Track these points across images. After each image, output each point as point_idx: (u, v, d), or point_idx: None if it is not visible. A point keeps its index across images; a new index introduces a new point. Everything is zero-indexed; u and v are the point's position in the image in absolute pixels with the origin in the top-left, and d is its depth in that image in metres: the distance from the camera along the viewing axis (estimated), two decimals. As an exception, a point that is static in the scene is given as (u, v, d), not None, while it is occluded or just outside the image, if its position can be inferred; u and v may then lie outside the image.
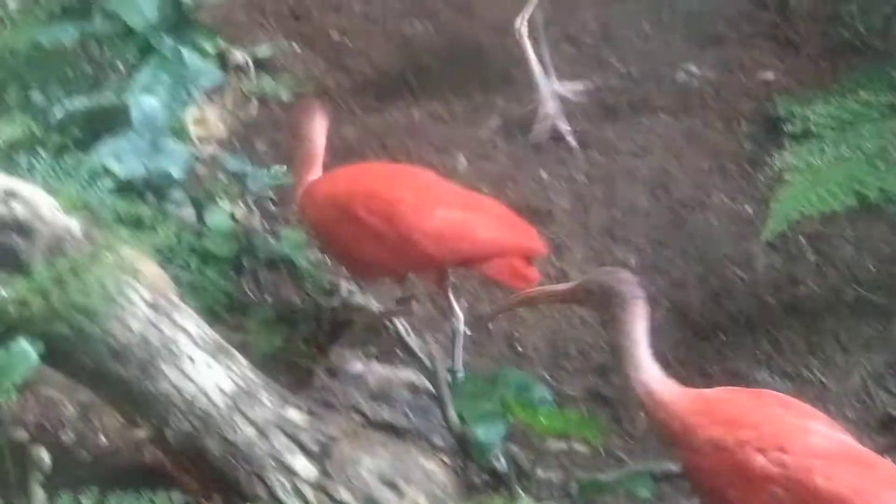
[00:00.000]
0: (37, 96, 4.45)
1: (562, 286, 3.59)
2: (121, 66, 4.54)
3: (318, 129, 3.99)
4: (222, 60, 4.87)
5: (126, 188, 4.19)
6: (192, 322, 3.56)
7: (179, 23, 4.45)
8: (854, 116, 4.21)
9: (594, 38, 5.19)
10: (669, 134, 4.80)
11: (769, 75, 5.01)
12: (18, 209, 3.47)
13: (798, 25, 5.17)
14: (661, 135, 4.80)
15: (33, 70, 4.59)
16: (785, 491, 3.21)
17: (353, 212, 3.74)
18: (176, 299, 3.58)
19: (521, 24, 4.68)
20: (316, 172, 3.95)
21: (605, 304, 3.34)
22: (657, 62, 5.07)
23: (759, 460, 3.22)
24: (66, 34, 4.49)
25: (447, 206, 3.77)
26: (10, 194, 3.50)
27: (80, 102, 4.37)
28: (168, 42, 4.39)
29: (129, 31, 4.44)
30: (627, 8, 5.28)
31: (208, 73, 4.48)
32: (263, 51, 5.01)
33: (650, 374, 3.29)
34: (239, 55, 4.94)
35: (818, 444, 3.25)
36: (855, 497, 3.18)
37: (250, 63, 4.93)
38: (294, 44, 5.09)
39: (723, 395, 3.41)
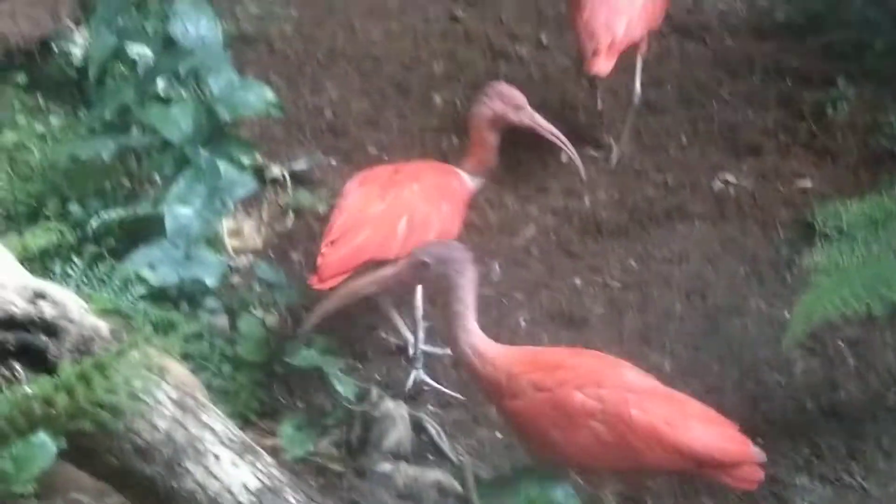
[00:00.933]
0: (74, 207, 4.53)
1: (391, 268, 3.68)
2: (157, 178, 4.62)
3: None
4: (259, 174, 4.92)
5: (160, 296, 4.24)
6: (218, 421, 3.55)
7: (215, 136, 4.54)
8: (887, 216, 4.16)
9: (630, 147, 5.20)
10: (706, 241, 4.79)
11: (807, 183, 5.01)
12: (47, 309, 3.49)
13: (836, 134, 5.18)
14: (698, 241, 4.79)
15: (72, 182, 4.69)
16: (603, 425, 3.46)
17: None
18: (202, 398, 3.57)
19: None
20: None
21: (441, 273, 3.52)
22: (694, 171, 5.08)
23: (578, 396, 3.47)
24: (105, 148, 4.59)
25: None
26: (39, 295, 3.54)
27: (115, 213, 4.45)
28: (204, 154, 4.47)
29: (165, 144, 4.54)
30: (664, 119, 5.31)
31: (244, 184, 4.55)
32: (300, 164, 5.06)
33: (478, 334, 3.55)
34: (276, 169, 4.99)
35: (632, 380, 3.56)
36: (666, 427, 3.46)
37: (287, 176, 4.97)
38: (331, 158, 5.13)
39: (543, 349, 3.84)
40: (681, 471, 3.64)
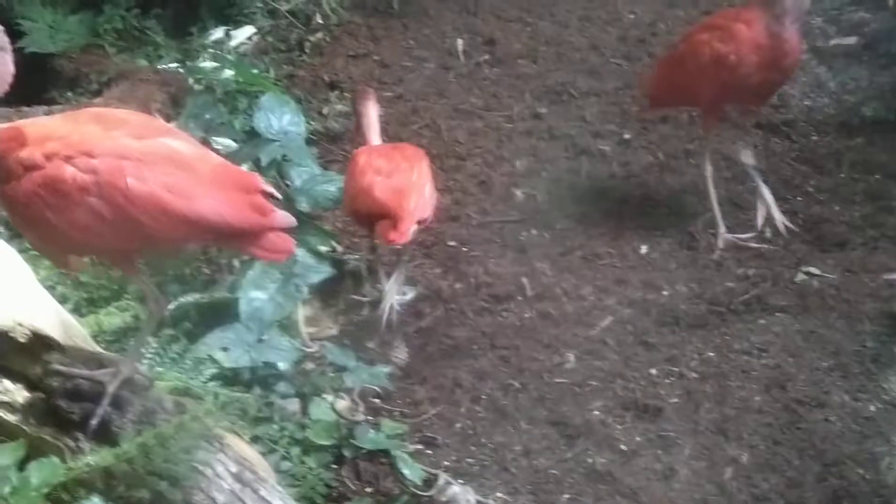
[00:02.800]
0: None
1: None
2: (236, 264, 4.67)
3: (372, 109, 4.91)
4: (338, 263, 4.96)
5: (232, 378, 4.27)
6: (277, 496, 3.54)
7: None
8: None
9: (709, 240, 5.17)
10: (787, 333, 4.70)
11: (894, 276, 4.91)
12: (112, 381, 3.55)
13: (926, 229, 5.11)
14: (779, 334, 4.69)
15: (153, 268, 4.74)
16: (99, 199, 3.19)
17: None
18: (262, 473, 3.57)
19: None
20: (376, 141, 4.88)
21: None
22: (777, 264, 5.01)
23: (69, 169, 3.18)
24: (186, 236, 4.65)
25: None
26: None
27: (192, 297, 4.50)
28: (281, 241, 4.50)
29: (245, 232, 4.59)
30: (748, 213, 5.27)
31: (320, 272, 4.59)
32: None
33: None
34: (354, 260, 5.02)
35: (129, 147, 3.20)
36: (170, 195, 3.19)
37: (364, 268, 5.00)
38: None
39: (37, 119, 3.49)
40: (200, 242, 3.50)
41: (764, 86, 5.07)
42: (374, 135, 4.93)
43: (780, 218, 5.11)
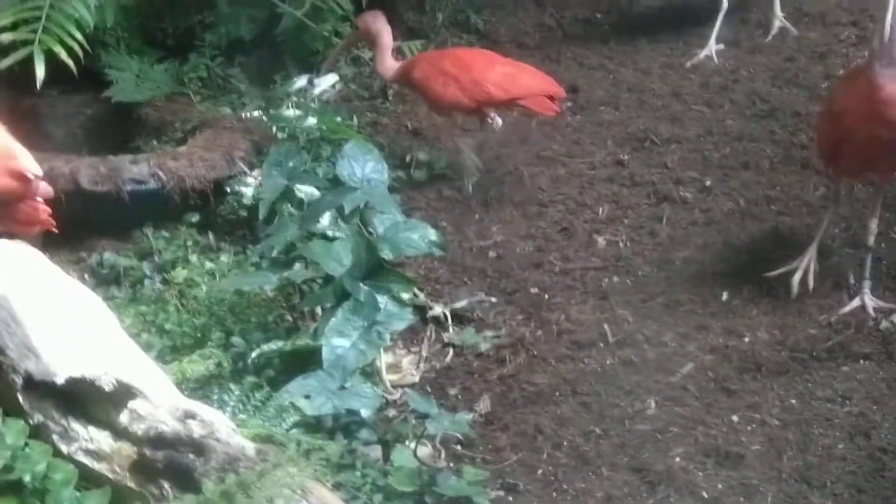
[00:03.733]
0: (237, 339, 4.64)
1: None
2: (318, 312, 4.71)
3: (384, 27, 5.91)
4: (421, 311, 4.99)
5: (315, 426, 4.29)
6: (359, 542, 3.58)
7: (376, 271, 4.60)
8: None
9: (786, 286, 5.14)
10: (871, 381, 4.65)
11: (980, 325, 4.86)
12: (195, 428, 3.58)
13: None
14: (862, 381, 4.65)
15: (236, 316, 4.82)
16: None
17: (444, 67, 5.76)
18: (344, 520, 3.60)
19: None
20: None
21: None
22: (860, 311, 4.95)
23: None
24: (268, 282, 4.72)
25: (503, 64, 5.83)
26: (189, 415, 3.63)
27: (275, 345, 4.54)
28: (363, 289, 4.54)
29: (327, 279, 4.63)
30: (831, 260, 5.24)
31: (402, 319, 4.60)
32: (462, 303, 5.10)
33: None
34: (438, 307, 5.05)
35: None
36: None
37: (448, 315, 5.02)
38: (493, 298, 5.17)
39: None
40: None
41: (876, 145, 4.81)
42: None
43: (870, 304, 5.01)
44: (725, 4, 6.81)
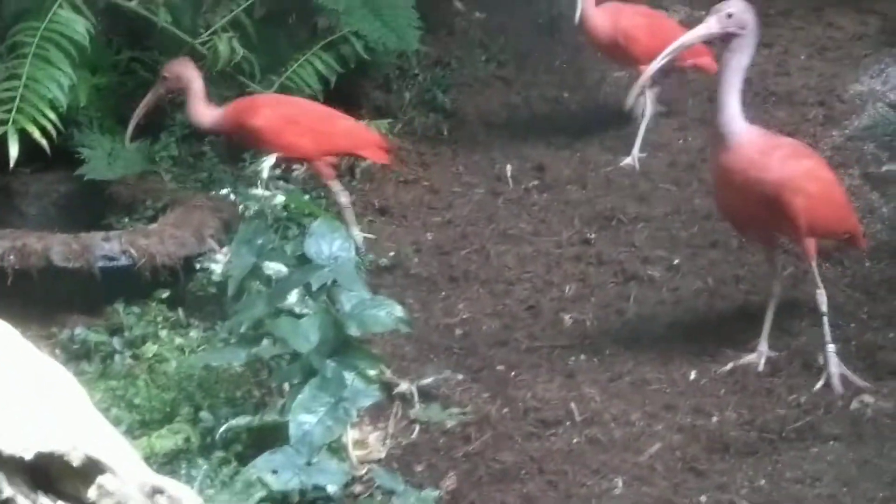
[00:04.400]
0: (205, 414, 4.64)
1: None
2: (286, 388, 4.71)
3: (194, 74, 5.96)
4: (387, 387, 4.99)
5: (281, 501, 4.29)
6: None
7: (343, 348, 4.61)
8: None
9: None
10: (840, 462, 4.62)
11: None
12: (163, 504, 3.58)
13: None
14: (832, 463, 4.62)
15: (205, 391, 4.82)
16: None
17: (292, 116, 5.94)
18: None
19: None
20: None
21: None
22: (829, 392, 4.96)
23: None
24: (237, 358, 4.72)
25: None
26: (157, 490, 3.63)
27: (243, 420, 4.54)
28: (331, 365, 4.54)
29: (294, 355, 4.63)
30: (799, 340, 5.27)
31: (369, 396, 4.59)
32: (429, 380, 5.10)
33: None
34: (404, 384, 5.05)
35: None
36: None
37: (415, 391, 5.02)
38: (459, 375, 5.18)
39: None
40: None
41: (741, 209, 4.99)
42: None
43: (836, 373, 5.04)
44: (649, 110, 6.87)
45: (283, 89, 6.64)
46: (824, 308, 5.06)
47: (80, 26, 6.08)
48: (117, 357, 5.19)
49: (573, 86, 7.59)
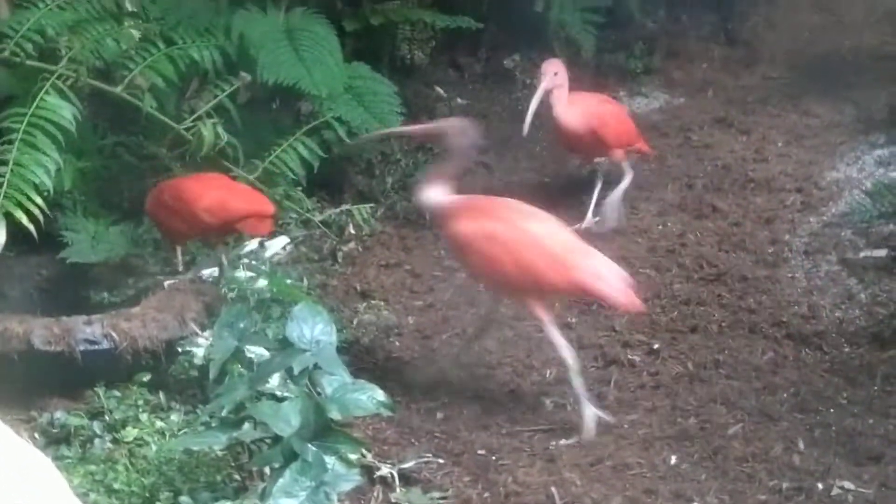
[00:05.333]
0: (185, 499, 4.64)
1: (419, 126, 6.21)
2: (266, 472, 4.70)
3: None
4: (368, 471, 4.98)
5: None
6: None
7: (324, 432, 4.61)
8: None
9: (741, 451, 5.17)
10: (822, 546, 4.68)
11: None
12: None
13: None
14: (813, 547, 4.67)
15: (185, 475, 4.81)
16: None
17: (163, 198, 5.97)
18: None
19: None
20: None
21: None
22: (810, 477, 4.97)
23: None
24: (217, 442, 4.72)
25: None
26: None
27: (224, 504, 4.54)
28: (311, 449, 4.54)
29: (275, 439, 4.64)
30: (780, 426, 5.29)
31: (350, 479, 4.59)
32: (409, 464, 5.10)
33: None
34: (385, 468, 5.04)
35: None
36: None
37: (396, 475, 5.02)
38: (440, 459, 5.18)
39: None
40: None
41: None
42: None
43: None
44: (599, 183, 7.08)
45: (267, 174, 6.68)
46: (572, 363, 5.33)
47: (66, 112, 6.15)
48: (97, 441, 5.16)
49: (553, 172, 7.67)
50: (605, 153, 7.07)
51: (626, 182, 7.03)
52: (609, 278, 5.28)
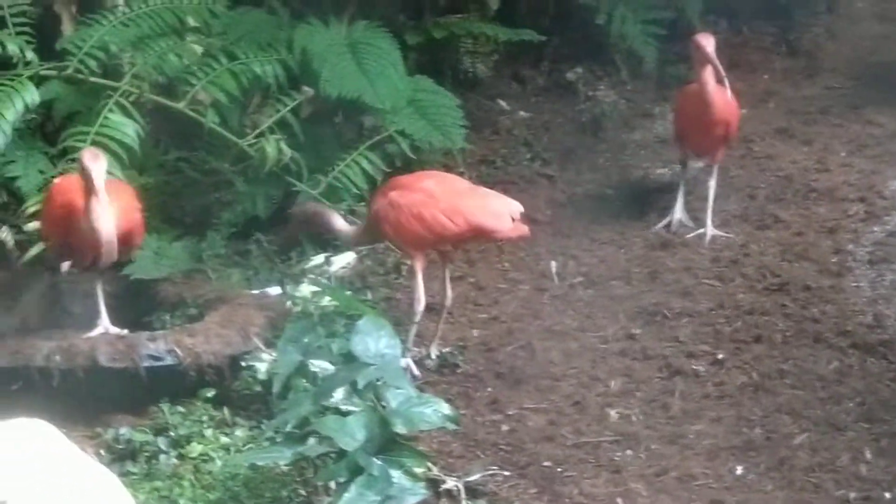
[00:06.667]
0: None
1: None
2: (332, 486, 4.71)
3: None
4: (434, 485, 4.98)
5: None
6: None
7: (389, 446, 4.62)
8: None
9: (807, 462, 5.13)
10: None
11: None
12: None
13: None
14: None
15: (250, 491, 4.85)
16: None
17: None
18: None
19: None
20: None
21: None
22: (878, 487, 4.92)
23: None
24: (282, 457, 4.73)
25: None
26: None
27: (288, 519, 4.56)
28: (377, 463, 4.55)
29: (340, 453, 4.64)
30: (846, 436, 5.24)
31: (415, 493, 4.59)
32: (475, 477, 5.09)
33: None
34: (450, 481, 5.04)
35: None
36: None
37: (461, 488, 5.02)
38: (506, 471, 5.17)
39: None
40: None
41: None
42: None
43: None
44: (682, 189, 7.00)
45: (330, 189, 6.71)
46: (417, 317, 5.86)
47: (129, 129, 6.23)
48: (162, 457, 5.19)
49: (617, 183, 7.64)
50: (718, 147, 6.91)
51: (714, 184, 6.95)
52: (499, 212, 5.78)
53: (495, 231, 5.80)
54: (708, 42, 6.63)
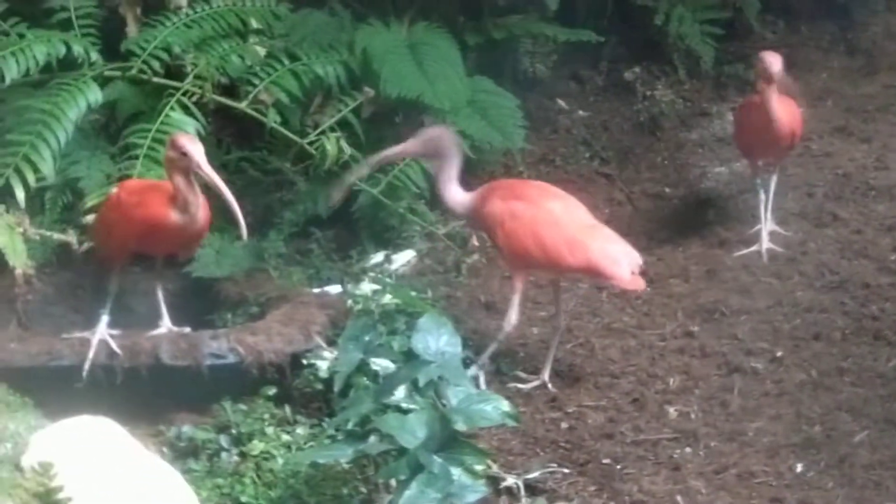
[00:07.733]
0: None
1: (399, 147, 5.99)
2: (392, 484, 4.75)
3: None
4: (494, 482, 5.02)
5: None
6: None
7: (450, 443, 4.65)
8: None
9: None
10: None
11: None
12: None
13: None
14: None
15: (311, 489, 4.88)
16: None
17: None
18: None
19: None
20: None
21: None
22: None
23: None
24: (343, 455, 4.77)
25: None
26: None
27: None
28: (437, 461, 4.58)
29: (401, 451, 4.68)
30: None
31: (476, 490, 4.62)
32: (535, 474, 5.13)
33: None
34: (510, 478, 5.08)
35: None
36: None
37: (521, 486, 5.05)
38: (565, 469, 5.20)
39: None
40: None
41: None
42: None
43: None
44: (763, 196, 6.86)
45: (391, 188, 6.76)
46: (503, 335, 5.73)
47: (190, 127, 6.29)
48: (224, 454, 5.24)
49: (675, 182, 7.65)
50: (784, 155, 6.91)
51: (774, 183, 6.90)
52: (620, 260, 5.55)
53: (612, 278, 5.58)
54: (775, 61, 6.52)
